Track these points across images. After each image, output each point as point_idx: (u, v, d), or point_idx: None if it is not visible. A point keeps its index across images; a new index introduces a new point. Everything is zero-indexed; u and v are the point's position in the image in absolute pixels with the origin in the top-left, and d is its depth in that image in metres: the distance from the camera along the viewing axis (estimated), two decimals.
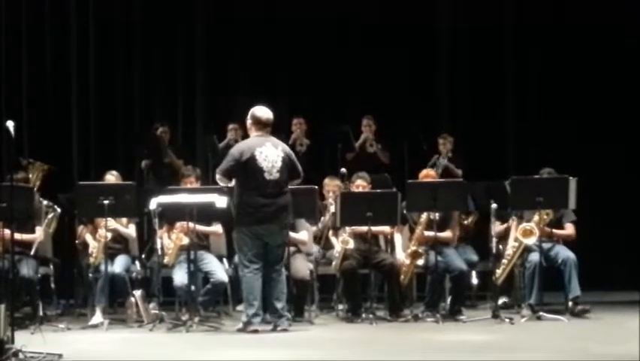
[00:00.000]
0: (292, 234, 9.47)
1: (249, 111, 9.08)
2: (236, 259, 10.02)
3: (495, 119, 12.78)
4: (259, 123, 8.99)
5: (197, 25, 12.93)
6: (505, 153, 12.67)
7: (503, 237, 10.08)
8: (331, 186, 10.32)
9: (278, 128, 10.44)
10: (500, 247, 9.85)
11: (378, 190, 10.10)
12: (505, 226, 10.17)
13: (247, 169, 8.82)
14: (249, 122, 9.06)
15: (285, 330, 8.78)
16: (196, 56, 12.90)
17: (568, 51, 12.50)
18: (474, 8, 12.67)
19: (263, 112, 9.03)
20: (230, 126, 12.20)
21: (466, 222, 10.58)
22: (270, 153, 8.86)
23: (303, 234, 9.95)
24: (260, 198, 8.80)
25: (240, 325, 8.86)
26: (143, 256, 10.24)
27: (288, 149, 9.12)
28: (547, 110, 12.56)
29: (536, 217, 9.56)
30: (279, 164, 8.85)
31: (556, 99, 12.52)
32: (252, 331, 8.70)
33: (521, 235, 9.58)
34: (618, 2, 12.18)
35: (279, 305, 8.87)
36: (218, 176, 9.00)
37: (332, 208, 10.13)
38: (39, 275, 9.65)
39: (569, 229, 9.92)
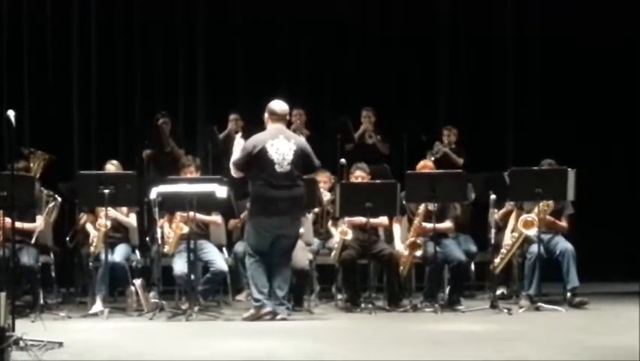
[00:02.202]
0: None
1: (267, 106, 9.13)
2: (237, 248, 10.11)
3: (494, 114, 12.81)
4: (274, 115, 9.05)
5: (199, 17, 12.93)
6: (504, 146, 12.70)
7: (503, 223, 10.10)
8: (322, 177, 10.36)
9: None
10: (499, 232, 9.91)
11: (378, 181, 10.13)
12: (503, 211, 10.19)
13: (258, 161, 8.88)
14: (265, 115, 9.10)
15: (284, 319, 8.81)
16: (197, 47, 12.91)
17: (568, 49, 12.53)
18: (474, 5, 12.70)
19: (278, 104, 9.10)
20: (231, 117, 12.24)
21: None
22: (281, 146, 8.90)
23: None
24: (271, 190, 8.85)
25: (252, 310, 8.87)
26: (147, 239, 10.23)
27: (302, 142, 9.17)
28: (546, 104, 12.58)
29: (536, 208, 9.58)
30: (290, 156, 8.88)
31: (555, 95, 12.55)
32: (267, 313, 8.75)
33: (522, 226, 9.61)
34: (617, 2, 12.21)
35: (280, 293, 8.91)
36: (232, 168, 9.05)
37: (327, 196, 10.16)
38: (39, 264, 9.67)
39: (564, 223, 9.95)
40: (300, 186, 8.99)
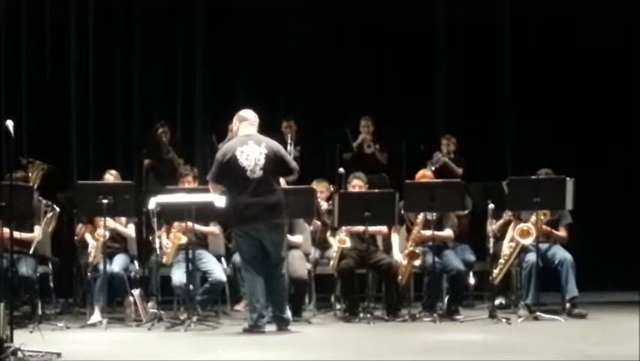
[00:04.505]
0: (288, 236, 9.42)
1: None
2: (235, 258, 10.12)
3: (493, 120, 12.82)
4: (243, 121, 8.95)
5: (197, 25, 12.95)
6: (503, 154, 12.70)
7: (501, 233, 10.11)
8: (320, 187, 10.36)
9: (276, 130, 10.52)
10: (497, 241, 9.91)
11: (376, 190, 10.13)
12: (501, 221, 10.21)
13: (230, 170, 8.78)
14: (235, 124, 9.02)
15: (282, 330, 8.79)
16: (196, 55, 12.92)
17: (567, 50, 12.52)
18: (471, 8, 12.72)
19: (245, 111, 9.02)
20: (231, 126, 12.22)
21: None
22: (251, 152, 8.77)
23: (298, 237, 9.94)
24: (245, 198, 8.73)
25: (246, 325, 8.85)
26: (147, 235, 10.20)
27: (275, 145, 8.94)
28: (546, 114, 12.57)
29: (533, 218, 9.59)
30: (262, 161, 8.74)
31: (555, 104, 12.54)
32: (260, 333, 8.71)
33: (518, 236, 9.60)
34: (618, 2, 12.21)
35: (277, 308, 8.86)
36: (210, 184, 9.00)
37: (324, 206, 10.17)
38: (38, 274, 9.67)
39: (562, 232, 9.95)
40: (276, 191, 8.81)
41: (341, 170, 10.85)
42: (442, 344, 8.11)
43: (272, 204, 8.76)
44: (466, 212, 10.48)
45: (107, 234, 9.54)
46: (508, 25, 12.89)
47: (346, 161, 11.87)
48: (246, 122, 8.95)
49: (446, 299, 9.88)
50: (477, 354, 7.58)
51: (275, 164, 8.81)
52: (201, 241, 9.87)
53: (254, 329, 8.74)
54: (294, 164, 9.04)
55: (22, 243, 9.34)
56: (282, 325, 8.84)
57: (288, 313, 8.97)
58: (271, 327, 8.89)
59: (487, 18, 12.80)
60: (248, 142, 8.83)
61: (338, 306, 10.08)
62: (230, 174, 8.79)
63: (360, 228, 9.64)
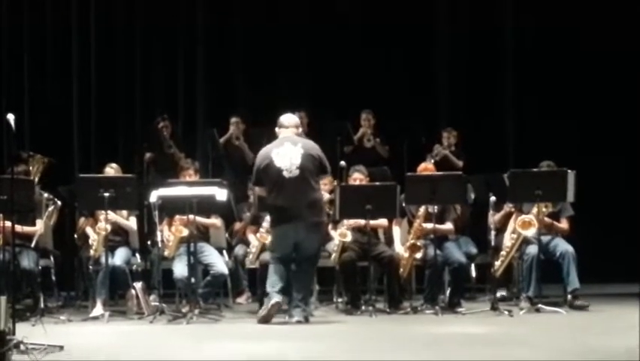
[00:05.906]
0: None
1: None
2: (237, 251, 10.15)
3: (494, 116, 12.82)
4: (281, 126, 9.10)
5: (199, 19, 12.94)
6: (504, 148, 12.70)
7: (503, 225, 10.11)
8: (322, 180, 10.36)
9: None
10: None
11: (378, 183, 10.14)
12: (502, 213, 10.20)
13: (268, 172, 8.90)
14: (277, 130, 9.16)
15: (299, 322, 8.80)
16: (197, 50, 12.92)
17: (567, 48, 12.52)
18: (473, 5, 12.71)
19: (285, 116, 9.16)
20: (233, 120, 12.25)
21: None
22: (287, 151, 8.89)
23: None
24: (282, 198, 8.84)
25: (260, 315, 8.89)
26: (149, 242, 10.22)
27: (311, 145, 9.05)
28: (547, 105, 12.57)
29: (535, 209, 9.59)
30: (298, 160, 8.85)
31: (556, 96, 12.54)
32: (275, 304, 8.74)
33: (520, 227, 9.61)
34: (614, 2, 12.21)
35: (297, 296, 8.88)
36: (255, 188, 9.30)
37: (326, 197, 10.17)
38: (40, 267, 9.68)
39: (564, 224, 9.95)
40: (314, 189, 8.92)
41: (342, 163, 10.84)
42: (443, 337, 8.11)
43: (310, 203, 8.86)
44: (468, 204, 10.46)
45: (109, 227, 9.54)
46: (510, 20, 12.88)
47: (347, 154, 11.87)
48: (282, 127, 9.09)
49: (448, 292, 9.88)
50: (479, 346, 7.58)
51: (311, 162, 8.91)
52: (203, 234, 9.87)
53: (268, 303, 8.79)
54: (326, 164, 9.09)
55: (24, 236, 9.38)
56: (297, 315, 8.84)
57: (310, 308, 9.03)
58: (274, 318, 8.92)
59: (489, 14, 12.78)
60: (284, 143, 8.96)
61: (339, 299, 10.09)
62: (269, 176, 8.91)
63: (362, 221, 9.65)
